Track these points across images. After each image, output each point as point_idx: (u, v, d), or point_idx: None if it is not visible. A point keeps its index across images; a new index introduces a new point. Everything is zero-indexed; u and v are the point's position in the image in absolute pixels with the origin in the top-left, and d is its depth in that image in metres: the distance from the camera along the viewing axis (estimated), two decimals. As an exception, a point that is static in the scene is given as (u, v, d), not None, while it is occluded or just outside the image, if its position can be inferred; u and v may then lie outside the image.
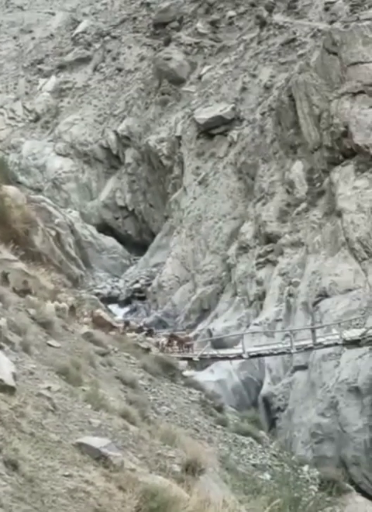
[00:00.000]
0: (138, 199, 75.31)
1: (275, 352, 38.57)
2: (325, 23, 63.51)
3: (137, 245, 73.78)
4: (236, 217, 58.73)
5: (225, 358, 38.38)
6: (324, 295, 44.22)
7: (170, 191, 68.36)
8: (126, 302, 65.04)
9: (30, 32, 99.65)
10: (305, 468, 21.41)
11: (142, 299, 63.96)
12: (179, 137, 68.82)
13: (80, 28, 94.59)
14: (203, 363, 39.68)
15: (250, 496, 14.73)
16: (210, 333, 48.58)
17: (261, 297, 49.52)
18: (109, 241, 72.14)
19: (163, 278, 60.93)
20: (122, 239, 74.55)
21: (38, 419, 9.46)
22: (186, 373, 25.85)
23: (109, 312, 51.63)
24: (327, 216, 49.08)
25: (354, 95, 51.13)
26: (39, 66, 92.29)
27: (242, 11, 77.93)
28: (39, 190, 76.92)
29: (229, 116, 65.31)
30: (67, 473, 8.43)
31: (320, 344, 36.93)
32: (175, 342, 34.89)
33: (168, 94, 76.24)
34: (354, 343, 36.80)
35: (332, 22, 60.36)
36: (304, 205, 51.51)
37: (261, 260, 51.64)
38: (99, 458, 9.00)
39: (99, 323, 25.52)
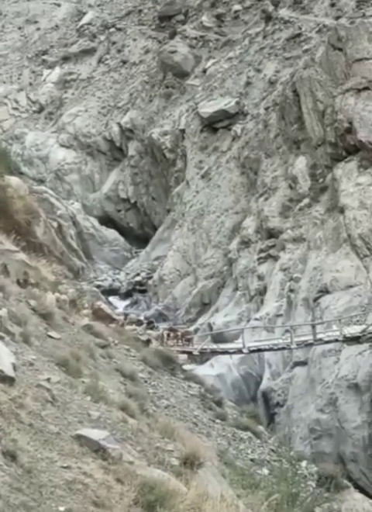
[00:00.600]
0: (140, 192, 75.21)
1: (275, 347, 38.61)
2: (331, 19, 63.28)
3: (139, 238, 73.70)
4: (238, 212, 58.65)
5: (225, 352, 38.46)
6: (325, 291, 44.21)
7: (172, 184, 68.27)
8: (127, 294, 64.92)
9: (35, 22, 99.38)
10: (303, 463, 21.43)
11: (143, 292, 63.86)
12: (182, 131, 68.69)
13: (85, 19, 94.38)
14: (203, 357, 39.75)
15: (248, 491, 14.77)
16: (210, 327, 48.57)
17: (262, 292, 49.50)
18: (111, 233, 72.04)
19: (164, 272, 60.91)
20: (123, 231, 74.45)
21: (37, 410, 9.46)
22: (186, 367, 25.88)
23: (110, 304, 51.69)
24: (329, 212, 49.04)
25: (359, 91, 51.01)
26: (43, 57, 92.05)
27: (248, 5, 77.75)
28: (41, 181, 76.87)
29: (232, 110, 65.17)
30: (65, 465, 8.44)
31: (320, 340, 36.99)
32: (174, 335, 34.94)
33: (172, 87, 76.07)
34: (354, 339, 36.85)
35: (337, 18, 60.14)
36: (306, 200, 51.46)
37: (263, 255, 51.61)
38: (98, 450, 9.01)
39: (99, 315, 25.48)
